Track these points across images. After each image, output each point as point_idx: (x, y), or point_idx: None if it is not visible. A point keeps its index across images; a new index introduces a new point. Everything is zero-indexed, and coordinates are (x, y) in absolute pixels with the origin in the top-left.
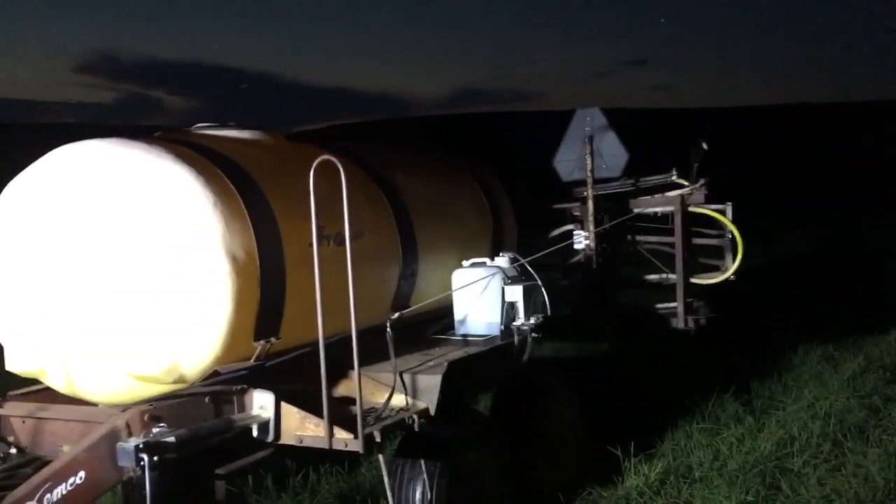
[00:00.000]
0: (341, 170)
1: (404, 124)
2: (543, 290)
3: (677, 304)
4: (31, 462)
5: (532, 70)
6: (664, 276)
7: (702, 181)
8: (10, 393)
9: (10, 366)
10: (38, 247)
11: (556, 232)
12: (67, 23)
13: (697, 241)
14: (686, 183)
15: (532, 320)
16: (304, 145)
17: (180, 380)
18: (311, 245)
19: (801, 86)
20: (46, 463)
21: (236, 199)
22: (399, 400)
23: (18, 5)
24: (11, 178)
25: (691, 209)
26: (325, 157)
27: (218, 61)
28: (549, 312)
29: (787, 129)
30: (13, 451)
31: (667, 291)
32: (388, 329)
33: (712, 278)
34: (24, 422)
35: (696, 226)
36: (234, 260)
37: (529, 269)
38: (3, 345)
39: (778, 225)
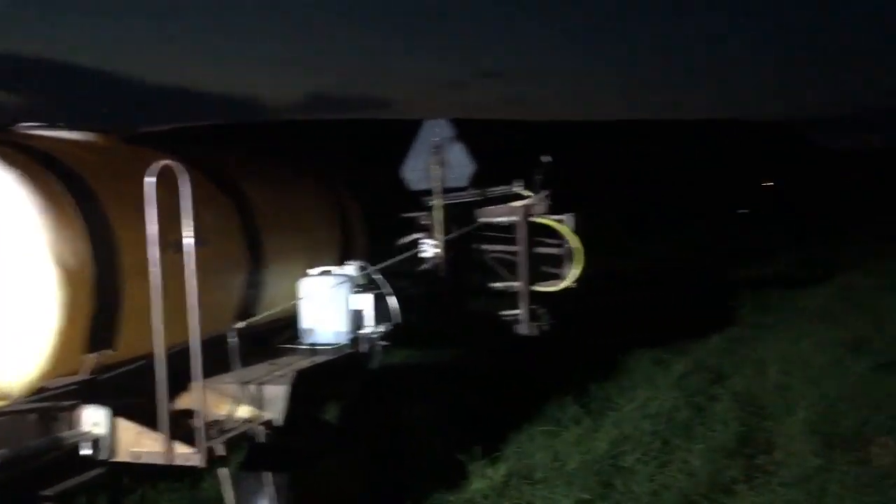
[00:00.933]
0: (182, 175)
1: (254, 129)
2: (392, 298)
3: (521, 311)
4: None
5: (385, 79)
6: (509, 284)
7: (545, 193)
8: None
9: None
10: None
11: (404, 240)
12: None
13: (540, 250)
14: (529, 194)
15: (380, 328)
16: (143, 149)
17: (2, 396)
18: (149, 252)
19: (649, 102)
20: None
21: (67, 204)
22: (244, 411)
23: None
24: None
25: (534, 219)
26: (165, 161)
27: (54, 56)
28: (397, 320)
29: (633, 144)
30: None
31: (512, 299)
32: (232, 339)
33: (554, 286)
34: None
35: (539, 235)
36: (63, 268)
37: (378, 277)
38: None
39: (621, 236)
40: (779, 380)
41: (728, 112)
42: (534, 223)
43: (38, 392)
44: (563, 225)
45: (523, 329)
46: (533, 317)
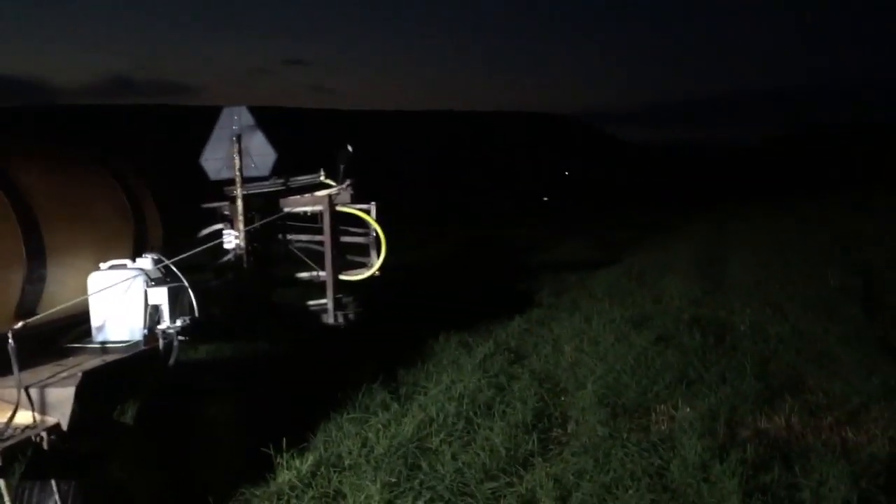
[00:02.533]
0: None
1: (38, 114)
2: (190, 291)
3: (327, 301)
4: None
5: (189, 64)
6: (315, 273)
7: (348, 182)
8: None
9: None
10: None
11: (204, 231)
12: None
13: (346, 239)
14: (333, 183)
15: (178, 323)
16: None
17: None
18: None
19: (451, 93)
20: None
21: None
22: (25, 417)
23: None
24: None
25: (338, 209)
26: None
27: None
28: (196, 314)
29: (440, 135)
30: None
31: (319, 289)
32: (10, 339)
33: (359, 274)
34: None
35: (345, 225)
36: None
37: (175, 270)
38: None
39: (428, 224)
40: (573, 357)
41: (533, 105)
42: (338, 212)
43: None
44: (367, 214)
45: (330, 318)
46: (339, 306)
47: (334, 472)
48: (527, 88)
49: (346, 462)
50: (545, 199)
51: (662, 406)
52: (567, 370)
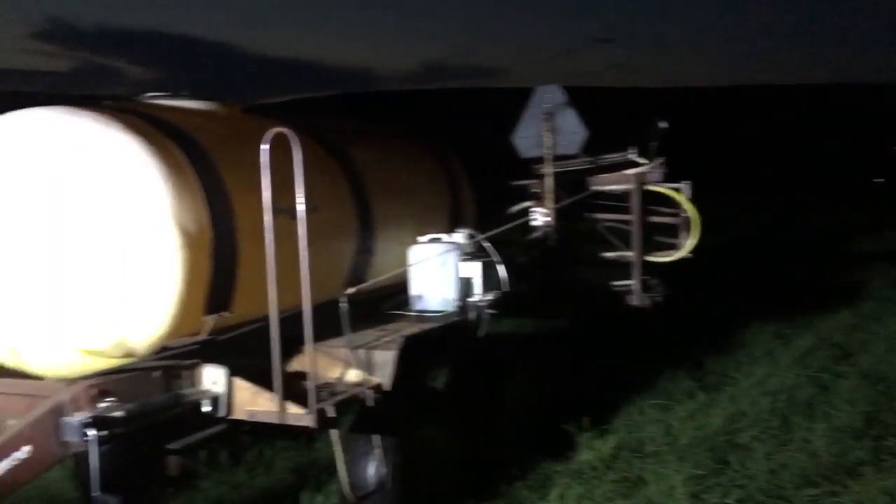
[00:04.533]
0: (295, 143)
1: (365, 99)
2: (501, 266)
3: (633, 282)
4: None
5: (497, 47)
6: (621, 254)
7: (660, 160)
8: None
9: None
10: None
11: (514, 209)
12: None
13: (654, 219)
14: (644, 161)
15: (488, 296)
16: (259, 118)
17: (129, 354)
18: (264, 218)
19: (763, 69)
20: None
21: (187, 171)
22: (353, 375)
23: None
24: None
25: (648, 187)
26: (279, 129)
27: (180, 30)
28: (506, 288)
29: (748, 111)
30: None
31: (623, 269)
32: (343, 304)
33: (668, 256)
34: None
35: (653, 204)
36: (184, 232)
37: (487, 245)
38: None
39: (736, 205)
40: None
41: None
42: (648, 191)
43: (162, 351)
44: (679, 193)
45: (636, 300)
46: (646, 287)
47: (635, 457)
48: (842, 58)
49: (649, 448)
50: (880, 180)
51: None
52: None
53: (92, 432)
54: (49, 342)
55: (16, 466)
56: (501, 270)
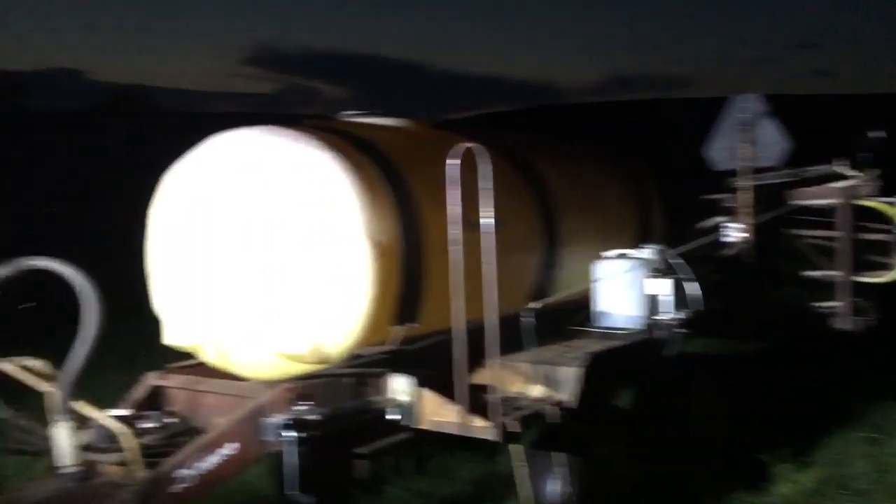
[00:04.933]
0: (483, 157)
1: (551, 112)
2: (692, 283)
3: (840, 304)
4: (188, 431)
5: (686, 56)
6: (826, 273)
7: (875, 172)
8: (168, 365)
9: (167, 339)
10: (194, 229)
11: (705, 223)
12: (234, 16)
13: (864, 236)
14: (853, 174)
15: (678, 315)
16: (448, 133)
17: (324, 360)
18: (450, 232)
19: None
20: (201, 433)
21: (380, 185)
22: (536, 391)
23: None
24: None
25: (860, 202)
26: (467, 144)
27: (377, 52)
28: (698, 307)
29: None
30: (172, 420)
31: (827, 290)
32: (527, 318)
33: (880, 277)
34: (181, 393)
35: (858, 219)
36: (376, 245)
37: (677, 261)
38: (162, 319)
39: None
40: None
41: None
42: (858, 206)
43: (353, 359)
44: (894, 208)
45: (843, 323)
46: (855, 310)
47: (842, 494)
48: None
49: (857, 485)
50: None
51: None
52: None
53: (289, 433)
54: (253, 346)
55: (223, 461)
56: (692, 288)
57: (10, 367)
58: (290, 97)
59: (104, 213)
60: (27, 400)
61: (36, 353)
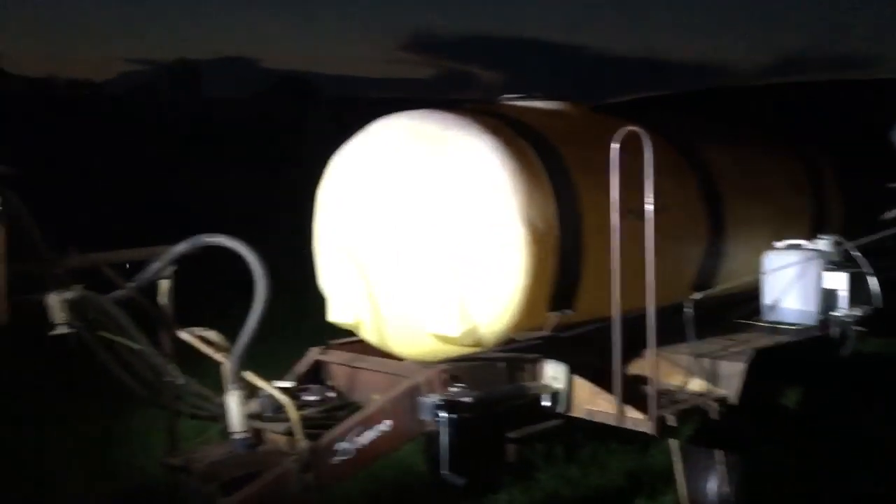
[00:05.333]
0: (646, 141)
1: (718, 95)
2: (873, 278)
3: None
4: (346, 406)
5: (873, 34)
6: None
7: None
8: (331, 342)
9: (331, 316)
10: (358, 210)
11: (890, 214)
12: (394, 2)
13: None
14: None
15: (856, 311)
16: (608, 117)
17: (478, 343)
18: (610, 218)
19: None
20: (359, 408)
21: (538, 169)
22: (696, 384)
23: None
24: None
25: None
26: (630, 127)
27: (533, 35)
28: (878, 304)
29: None
30: (332, 394)
31: None
32: (688, 309)
33: None
34: (341, 369)
35: None
36: (533, 229)
37: (856, 254)
38: (327, 297)
39: None
40: None
41: None
42: None
43: (508, 343)
44: None
45: None
46: None
47: None
48: None
49: None
50: None
51: None
52: None
53: (443, 414)
54: (409, 326)
55: (379, 437)
56: (874, 283)
57: (188, 336)
58: (447, 82)
59: (273, 193)
60: (204, 368)
61: (211, 325)
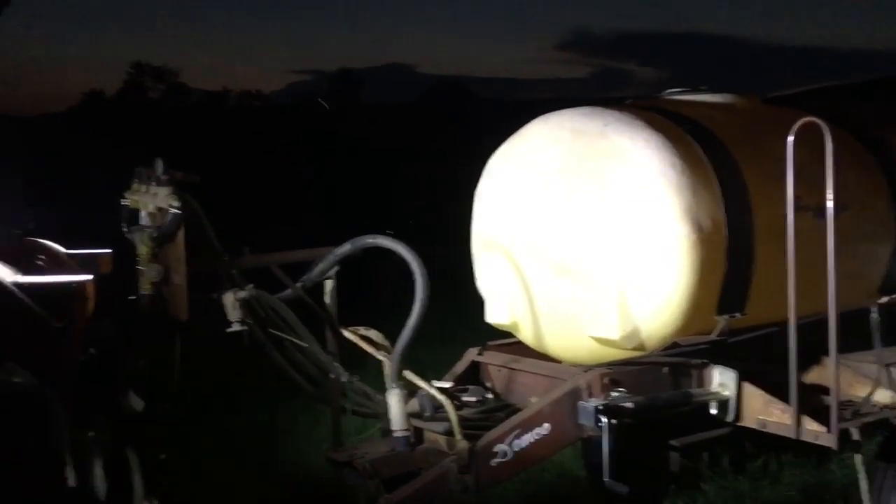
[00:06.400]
0: (826, 134)
1: None
2: None
3: None
4: (504, 408)
5: None
6: None
7: None
8: (489, 343)
9: (489, 318)
10: (516, 210)
11: None
12: (549, 3)
13: None
14: None
15: None
16: (781, 108)
17: (639, 347)
18: (786, 216)
19: None
20: (516, 410)
21: (704, 165)
22: (882, 396)
23: None
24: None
25: None
26: (807, 119)
27: (689, 29)
28: None
29: None
30: (490, 395)
31: None
32: (874, 314)
33: None
34: (499, 370)
35: None
36: (698, 229)
37: None
38: (484, 298)
39: None
40: None
41: None
42: None
43: (671, 347)
44: None
45: None
46: None
47: None
48: None
49: None
50: None
51: None
52: None
53: (605, 419)
54: (568, 329)
55: (537, 441)
56: None
57: (351, 335)
58: (604, 81)
59: (432, 196)
60: (366, 366)
61: (373, 325)
